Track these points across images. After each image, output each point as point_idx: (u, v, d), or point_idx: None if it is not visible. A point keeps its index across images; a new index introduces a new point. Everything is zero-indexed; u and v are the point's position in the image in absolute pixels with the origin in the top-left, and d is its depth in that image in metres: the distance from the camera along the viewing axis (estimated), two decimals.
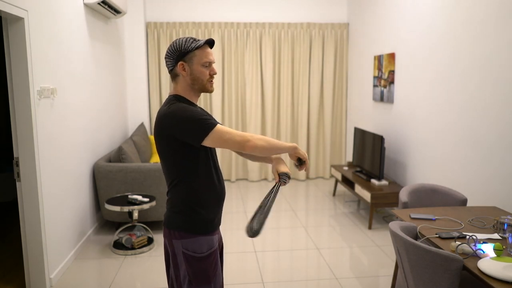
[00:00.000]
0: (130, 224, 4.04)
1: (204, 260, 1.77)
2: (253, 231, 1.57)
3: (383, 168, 4.66)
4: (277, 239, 4.18)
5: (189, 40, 1.75)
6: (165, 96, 6.34)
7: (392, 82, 4.88)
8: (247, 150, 1.66)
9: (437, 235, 2.34)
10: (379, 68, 5.23)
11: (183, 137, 1.67)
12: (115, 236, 4.06)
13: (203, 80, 1.78)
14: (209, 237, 1.80)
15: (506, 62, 3.06)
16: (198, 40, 1.78)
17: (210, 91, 1.81)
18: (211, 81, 1.80)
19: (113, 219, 4.24)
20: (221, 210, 1.90)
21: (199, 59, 1.75)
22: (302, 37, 6.38)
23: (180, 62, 1.76)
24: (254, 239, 4.18)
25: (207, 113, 1.76)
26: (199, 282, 1.77)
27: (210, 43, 1.79)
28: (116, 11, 4.80)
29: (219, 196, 1.84)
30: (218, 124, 1.68)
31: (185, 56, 1.75)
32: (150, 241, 4.03)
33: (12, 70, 2.89)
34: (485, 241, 2.28)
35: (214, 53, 6.24)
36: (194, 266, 1.76)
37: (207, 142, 1.66)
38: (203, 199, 1.78)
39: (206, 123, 1.65)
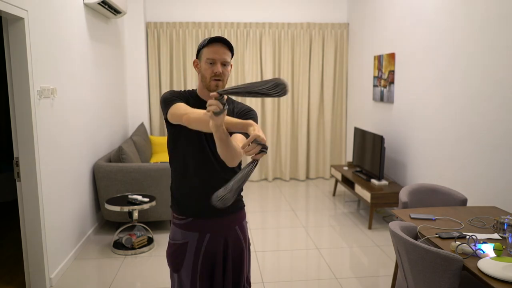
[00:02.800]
0: (130, 224, 4.04)
1: (169, 246, 1.91)
2: (221, 197, 1.43)
3: (383, 168, 4.66)
4: (277, 239, 4.18)
5: (206, 38, 1.82)
6: None
7: (392, 82, 4.88)
8: (184, 122, 1.64)
9: (437, 235, 2.34)
10: (379, 68, 5.23)
11: (163, 114, 1.82)
12: (115, 236, 4.06)
13: (206, 77, 1.78)
14: (176, 229, 1.89)
15: (506, 62, 3.06)
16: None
17: (213, 91, 1.78)
18: (215, 79, 1.77)
19: (113, 219, 4.24)
20: (198, 205, 1.85)
21: (205, 56, 1.78)
22: (302, 37, 6.38)
23: (194, 59, 1.86)
24: (253, 239, 4.18)
25: (185, 98, 1.83)
26: (168, 263, 1.92)
27: (218, 40, 1.77)
28: (116, 11, 4.80)
29: (189, 190, 1.84)
30: (179, 103, 1.75)
31: (198, 53, 1.84)
32: (150, 241, 4.03)
33: (12, 70, 2.89)
34: (485, 241, 2.28)
35: None
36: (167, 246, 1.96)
37: (170, 118, 1.74)
38: (174, 188, 1.91)
39: (172, 101, 1.76)
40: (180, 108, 1.68)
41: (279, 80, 1.35)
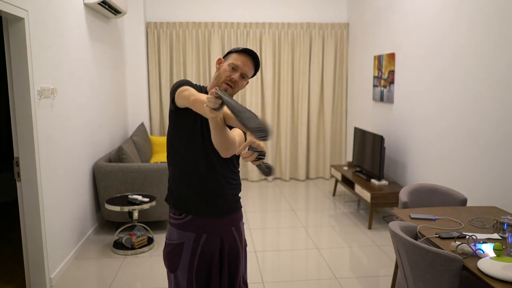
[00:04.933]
0: (130, 224, 4.04)
1: (165, 246, 1.91)
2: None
3: (383, 168, 4.66)
4: (277, 239, 4.18)
5: (240, 46, 1.86)
6: (165, 96, 6.34)
7: (392, 82, 4.88)
8: (190, 102, 1.63)
9: (437, 235, 2.34)
10: (379, 68, 5.23)
11: (170, 104, 1.83)
12: (115, 236, 4.06)
13: (221, 77, 1.80)
14: (172, 228, 1.90)
15: (506, 62, 3.06)
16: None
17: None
18: (227, 84, 1.78)
19: (113, 219, 4.24)
20: (196, 202, 1.84)
21: (231, 60, 1.81)
22: (302, 37, 6.38)
23: (220, 58, 1.88)
24: (253, 239, 4.18)
25: (195, 87, 1.85)
26: (165, 263, 1.92)
27: (250, 53, 1.80)
28: (116, 11, 4.80)
29: (187, 186, 1.84)
30: (190, 87, 1.75)
31: (227, 54, 1.86)
32: (150, 241, 4.03)
33: (12, 70, 2.90)
34: (485, 241, 2.28)
35: (215, 54, 6.23)
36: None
37: (177, 100, 1.74)
38: (172, 185, 1.91)
39: (183, 84, 1.77)
40: (190, 90, 1.70)
41: (265, 125, 1.30)
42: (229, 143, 1.58)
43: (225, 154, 1.62)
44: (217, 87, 1.39)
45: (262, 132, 1.27)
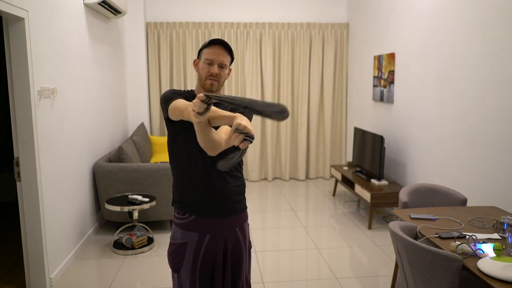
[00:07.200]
0: (130, 224, 4.04)
1: (169, 246, 1.91)
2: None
3: (383, 168, 4.66)
4: (277, 239, 4.18)
5: (208, 40, 1.84)
6: None
7: (392, 82, 4.88)
8: (185, 116, 1.64)
9: (437, 235, 2.34)
10: (379, 68, 5.23)
11: (163, 113, 1.83)
12: (115, 236, 4.06)
13: (202, 76, 1.83)
14: (176, 228, 1.90)
15: (506, 62, 3.06)
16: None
17: (208, 90, 1.83)
18: (210, 79, 1.81)
19: (113, 219, 4.24)
20: (199, 202, 1.85)
21: (204, 56, 1.83)
22: (302, 37, 6.38)
23: (195, 59, 1.90)
24: (253, 239, 4.18)
25: (184, 96, 1.84)
26: (169, 263, 1.92)
27: (218, 42, 1.81)
28: (116, 11, 4.80)
29: (190, 187, 1.84)
30: (179, 99, 1.75)
31: (199, 53, 1.88)
32: (150, 241, 4.03)
33: (12, 70, 2.90)
34: (485, 241, 2.28)
35: None
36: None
37: (170, 114, 1.74)
38: (175, 186, 1.91)
39: (171, 98, 1.76)
40: (181, 103, 1.70)
41: (284, 107, 1.31)
42: (214, 143, 1.60)
43: (211, 152, 1.64)
44: (202, 94, 1.40)
45: (284, 112, 1.31)
